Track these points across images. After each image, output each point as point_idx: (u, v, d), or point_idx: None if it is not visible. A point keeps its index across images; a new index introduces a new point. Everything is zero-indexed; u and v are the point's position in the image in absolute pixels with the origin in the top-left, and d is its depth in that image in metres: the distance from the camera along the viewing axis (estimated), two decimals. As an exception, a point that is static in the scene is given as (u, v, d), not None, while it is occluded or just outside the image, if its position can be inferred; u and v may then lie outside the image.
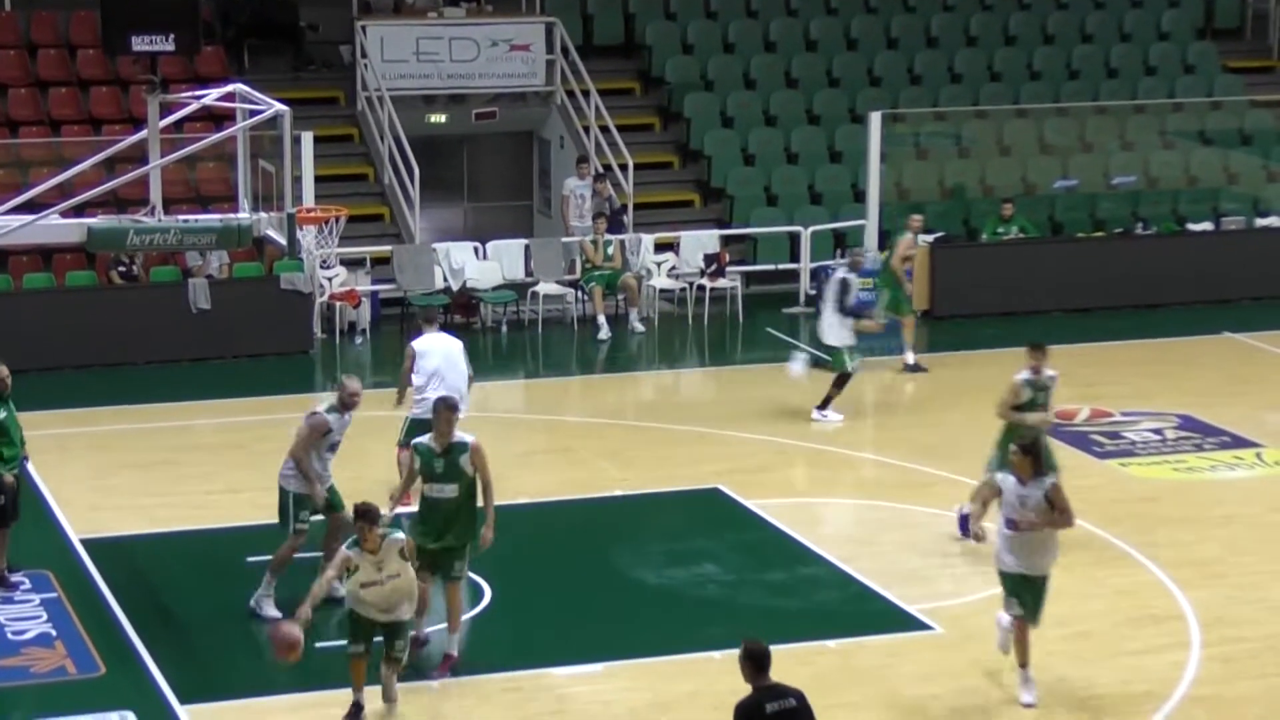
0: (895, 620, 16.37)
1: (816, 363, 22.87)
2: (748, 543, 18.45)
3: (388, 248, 27.51)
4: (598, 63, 30.86)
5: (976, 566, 17.67)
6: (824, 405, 22.19)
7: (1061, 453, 21.13)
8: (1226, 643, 15.87)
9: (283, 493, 16.10)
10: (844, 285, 21.89)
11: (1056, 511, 14.50)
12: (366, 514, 14.16)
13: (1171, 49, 33.36)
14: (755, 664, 11.40)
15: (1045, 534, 14.55)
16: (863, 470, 20.91)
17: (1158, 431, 21.74)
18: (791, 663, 15.30)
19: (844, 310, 21.90)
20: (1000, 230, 28.30)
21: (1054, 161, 30.90)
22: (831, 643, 15.78)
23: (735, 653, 15.42)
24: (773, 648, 15.13)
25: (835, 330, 22.02)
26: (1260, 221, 29.98)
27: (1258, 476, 20.42)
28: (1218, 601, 16.52)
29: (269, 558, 16.32)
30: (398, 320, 26.70)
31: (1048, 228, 29.58)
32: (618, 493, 19.61)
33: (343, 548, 14.40)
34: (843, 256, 22.69)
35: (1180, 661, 15.39)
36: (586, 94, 29.84)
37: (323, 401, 16.78)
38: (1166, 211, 30.13)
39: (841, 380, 22.07)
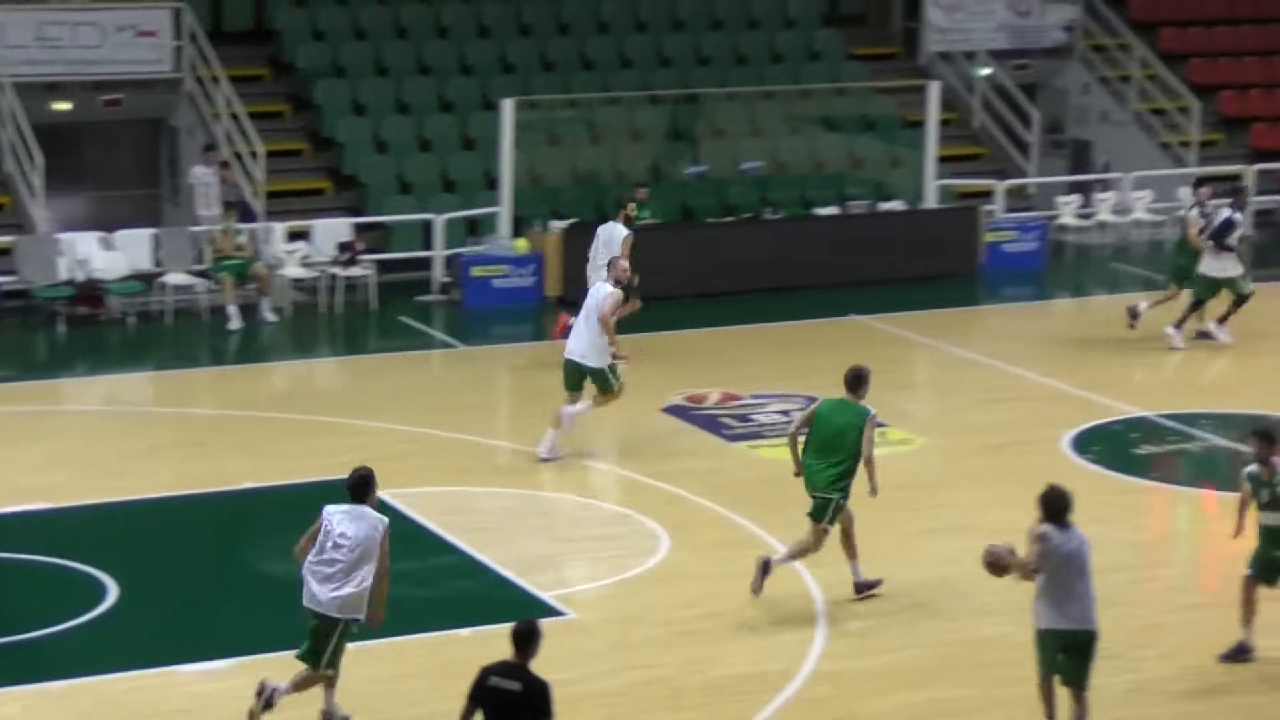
0: (528, 607, 16.36)
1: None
2: (381, 533, 18.28)
3: (9, 238, 26.76)
4: (228, 49, 30.36)
5: (607, 552, 17.84)
6: (1223, 320, 25.51)
7: (692, 436, 21.47)
8: (851, 618, 16.24)
9: (598, 370, 20.11)
10: (1229, 223, 25.01)
11: None
12: None
13: (798, 36, 34.02)
14: (513, 640, 11.42)
15: None
16: (496, 458, 20.90)
17: (785, 413, 22.08)
18: (423, 652, 15.32)
19: (1225, 245, 24.97)
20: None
21: (685, 147, 31.26)
22: (465, 631, 15.77)
23: (375, 644, 15.45)
24: (403, 639, 15.22)
25: (1225, 264, 25.06)
26: (883, 206, 30.66)
27: (882, 455, 20.79)
28: (842, 579, 16.85)
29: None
30: (19, 313, 25.96)
31: (679, 213, 29.91)
32: (247, 485, 19.34)
33: None
34: (1229, 198, 25.84)
35: (806, 639, 15.69)
36: (216, 80, 29.37)
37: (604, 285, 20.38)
38: (794, 196, 30.67)
39: (1240, 302, 25.31)
